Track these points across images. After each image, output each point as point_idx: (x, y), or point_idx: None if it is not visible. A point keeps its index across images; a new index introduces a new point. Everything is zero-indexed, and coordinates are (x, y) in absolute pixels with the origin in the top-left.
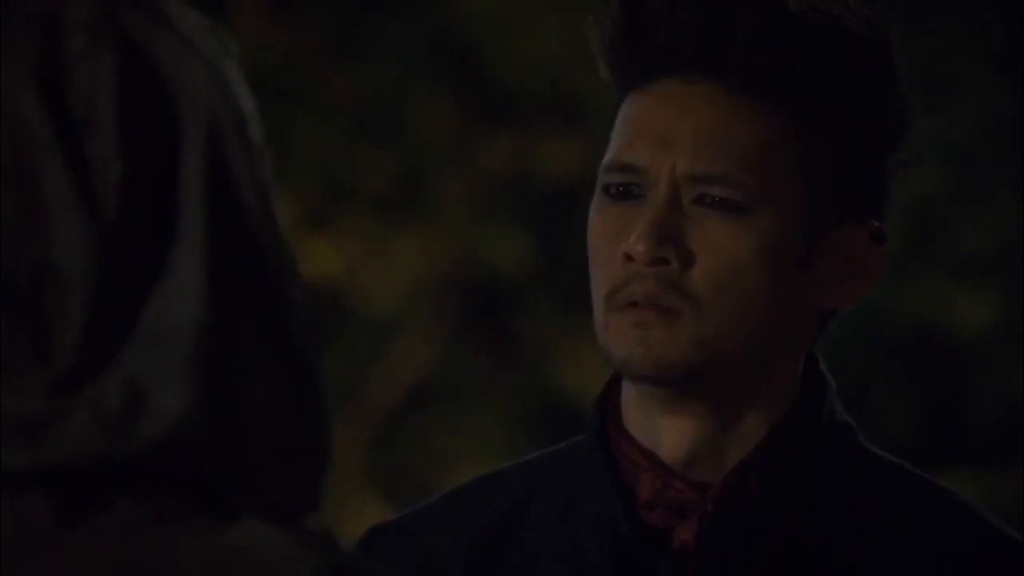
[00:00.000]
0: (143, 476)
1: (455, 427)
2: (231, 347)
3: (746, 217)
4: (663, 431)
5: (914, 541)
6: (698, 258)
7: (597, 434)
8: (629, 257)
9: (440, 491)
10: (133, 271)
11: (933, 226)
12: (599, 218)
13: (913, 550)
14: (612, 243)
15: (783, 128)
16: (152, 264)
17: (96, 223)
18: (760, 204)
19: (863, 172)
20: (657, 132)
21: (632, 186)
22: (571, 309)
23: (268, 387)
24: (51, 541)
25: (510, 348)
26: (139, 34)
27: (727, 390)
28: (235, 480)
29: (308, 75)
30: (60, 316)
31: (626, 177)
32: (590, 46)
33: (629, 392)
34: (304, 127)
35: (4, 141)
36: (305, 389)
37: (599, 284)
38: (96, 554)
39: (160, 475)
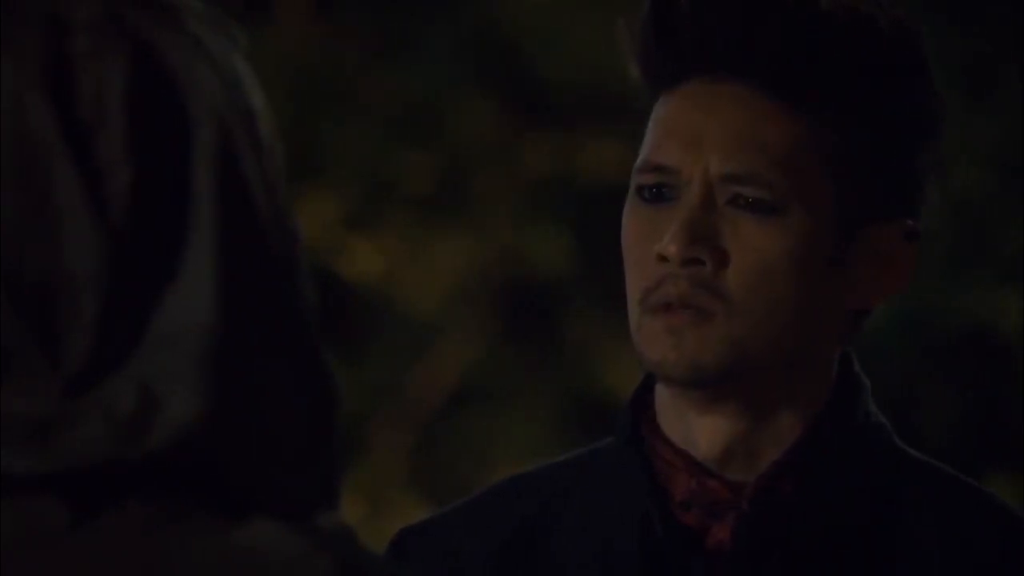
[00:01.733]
0: (154, 478)
1: (497, 428)
2: (242, 349)
3: (778, 217)
4: (697, 431)
5: (949, 542)
6: (731, 258)
7: (630, 433)
8: (663, 258)
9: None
10: (144, 274)
11: (981, 226)
12: (633, 219)
13: (948, 551)
14: (646, 244)
15: (812, 128)
16: (163, 267)
17: (106, 226)
18: (791, 204)
19: (894, 171)
20: (688, 132)
21: (664, 187)
22: (613, 309)
23: (279, 388)
24: (62, 542)
25: (552, 348)
26: (146, 34)
27: (761, 390)
28: (247, 481)
29: (350, 76)
30: (71, 319)
31: (658, 178)
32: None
33: (662, 393)
34: (346, 128)
35: (13, 144)
36: (316, 389)
37: (633, 285)
38: (107, 555)
39: (171, 476)
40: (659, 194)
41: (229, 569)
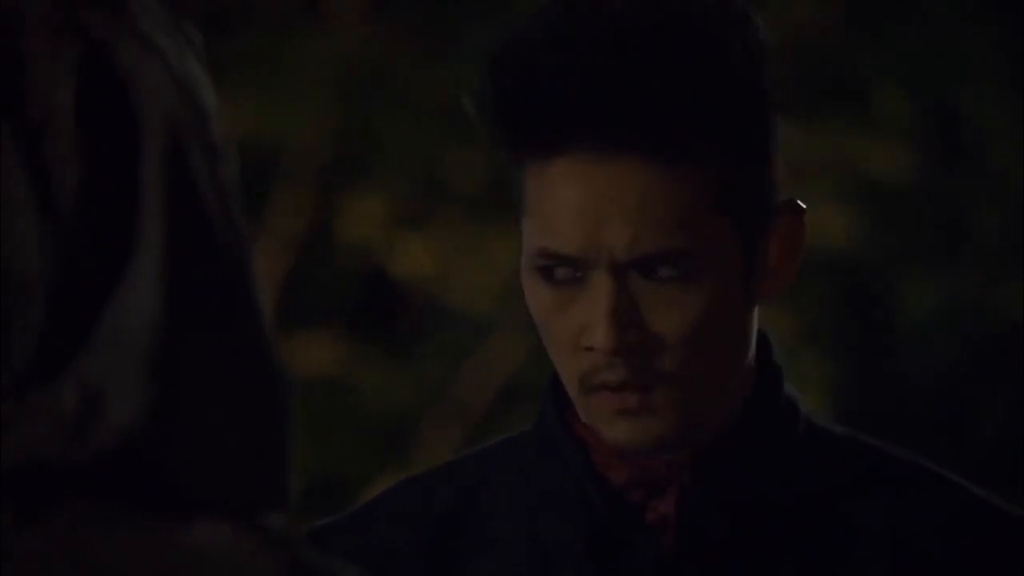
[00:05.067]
0: (99, 478)
1: None
2: (189, 350)
3: (695, 281)
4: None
5: (881, 506)
6: (660, 335)
7: (555, 415)
8: (591, 347)
9: None
10: (91, 274)
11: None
12: (541, 301)
13: (881, 514)
14: (563, 328)
15: (697, 178)
16: (110, 267)
17: (53, 225)
18: (703, 263)
19: (767, 172)
20: (584, 218)
21: (566, 269)
22: None
23: (226, 389)
24: (6, 542)
25: None
26: (98, 33)
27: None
28: (194, 481)
29: (402, 75)
30: (16, 319)
31: (559, 263)
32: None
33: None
34: (398, 126)
35: None
36: (265, 390)
37: (565, 368)
38: (52, 555)
39: (117, 476)
40: (561, 275)
41: (174, 569)
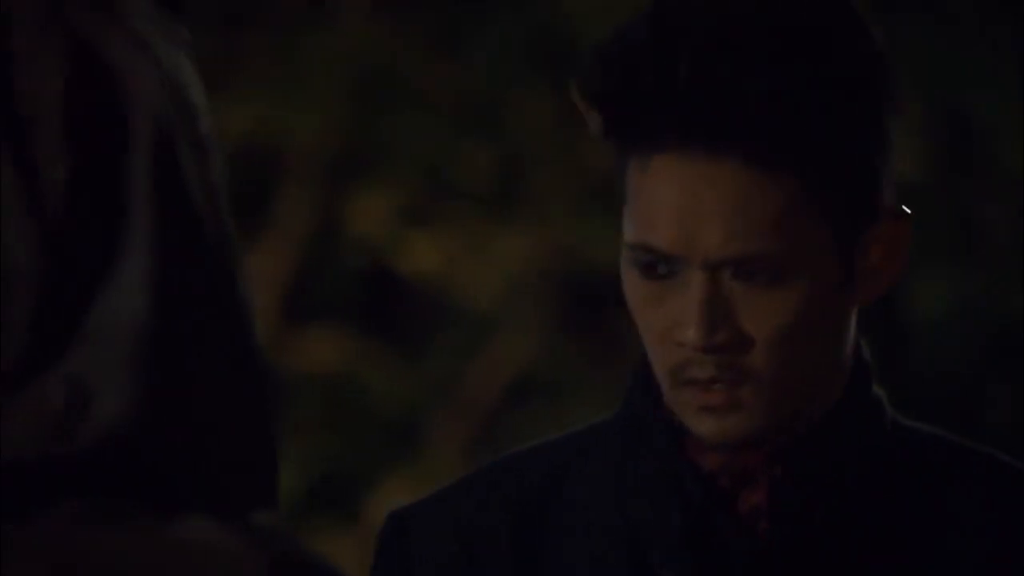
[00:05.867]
0: (87, 475)
1: (556, 422)
2: (176, 346)
3: (788, 284)
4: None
5: (970, 501)
6: (751, 335)
7: (648, 401)
8: (680, 342)
9: None
10: (79, 270)
11: None
12: (636, 292)
13: (970, 509)
14: (657, 319)
15: (798, 184)
16: (98, 263)
17: (42, 221)
18: (798, 267)
19: (870, 179)
20: (680, 217)
21: (662, 264)
22: None
23: (214, 385)
24: None
25: (611, 343)
26: (88, 31)
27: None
28: (182, 477)
29: (410, 71)
30: (4, 315)
31: (654, 257)
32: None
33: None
34: (405, 123)
35: None
36: (252, 387)
37: (657, 359)
38: (39, 553)
39: (104, 473)
40: (657, 270)
41: (162, 567)
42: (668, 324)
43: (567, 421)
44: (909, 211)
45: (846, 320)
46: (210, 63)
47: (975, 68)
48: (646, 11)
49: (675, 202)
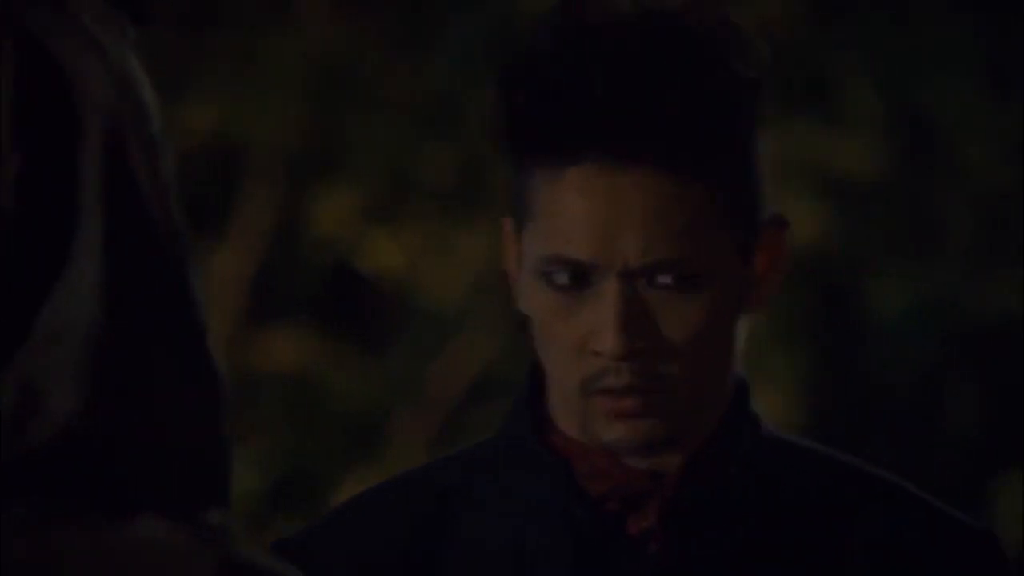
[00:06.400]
0: (37, 475)
1: None
2: (127, 347)
3: (700, 290)
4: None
5: (855, 517)
6: (668, 341)
7: (531, 425)
8: (598, 352)
9: None
10: (29, 270)
11: (1006, 218)
12: (546, 307)
13: (855, 525)
14: (567, 332)
15: (707, 195)
16: (49, 263)
17: None
18: (711, 272)
19: (758, 185)
20: (597, 226)
21: (576, 276)
22: None
23: (164, 385)
24: None
25: None
26: (37, 28)
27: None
28: (133, 478)
29: (371, 72)
30: None
31: (569, 269)
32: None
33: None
34: (366, 122)
35: None
36: (203, 387)
37: (566, 372)
38: None
39: (54, 474)
40: (571, 283)
41: (112, 567)
42: (583, 335)
43: None
44: (788, 220)
45: (736, 330)
46: (173, 63)
47: (935, 66)
48: (551, 26)
49: (591, 212)
